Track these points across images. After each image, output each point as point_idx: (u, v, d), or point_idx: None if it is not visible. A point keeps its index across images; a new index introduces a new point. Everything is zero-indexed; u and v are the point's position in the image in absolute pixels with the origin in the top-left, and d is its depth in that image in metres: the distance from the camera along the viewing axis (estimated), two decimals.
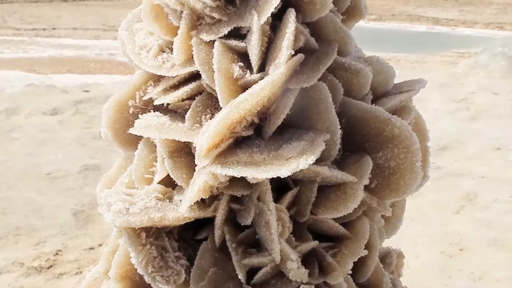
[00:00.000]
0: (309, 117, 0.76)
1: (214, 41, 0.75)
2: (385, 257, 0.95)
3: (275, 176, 0.69)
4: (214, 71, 0.73)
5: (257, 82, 0.72)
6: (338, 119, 0.76)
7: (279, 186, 0.78)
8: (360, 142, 0.80)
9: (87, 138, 3.65)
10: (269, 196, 0.75)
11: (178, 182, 0.78)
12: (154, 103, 0.82)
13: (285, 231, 0.76)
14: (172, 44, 0.79)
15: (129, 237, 0.76)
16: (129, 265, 0.80)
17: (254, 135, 0.74)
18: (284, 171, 0.69)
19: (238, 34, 0.76)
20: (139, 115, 0.83)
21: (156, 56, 0.82)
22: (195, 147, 0.73)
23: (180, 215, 0.75)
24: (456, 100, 4.64)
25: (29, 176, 3.01)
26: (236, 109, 0.70)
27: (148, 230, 0.78)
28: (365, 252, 0.81)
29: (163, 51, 0.82)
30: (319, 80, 0.75)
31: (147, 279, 0.76)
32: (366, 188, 0.77)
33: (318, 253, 0.80)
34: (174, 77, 0.80)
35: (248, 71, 0.75)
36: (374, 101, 0.84)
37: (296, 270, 0.76)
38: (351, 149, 0.80)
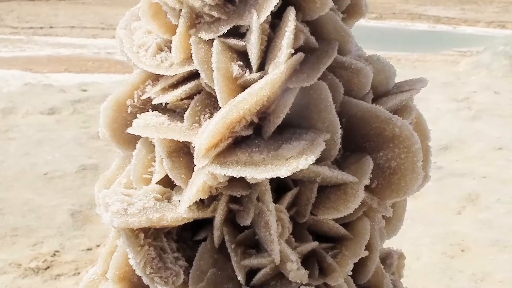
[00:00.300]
0: (309, 116, 0.75)
1: (213, 39, 0.75)
2: (386, 258, 0.95)
3: (275, 176, 0.69)
4: (213, 70, 0.73)
5: (256, 81, 0.71)
6: (338, 118, 0.75)
7: (279, 186, 0.77)
8: (360, 142, 0.79)
9: (84, 138, 3.64)
10: (268, 197, 0.74)
11: (177, 182, 0.77)
12: (153, 103, 0.82)
13: (284, 231, 0.76)
14: (171, 43, 0.79)
15: (127, 237, 0.76)
16: (127, 266, 0.79)
17: (254, 135, 0.74)
18: (283, 171, 0.68)
19: (237, 32, 0.75)
20: (137, 115, 0.83)
21: (154, 55, 0.81)
22: (194, 147, 0.73)
23: (178, 215, 0.75)
24: (457, 100, 4.64)
25: (26, 176, 3.00)
26: (236, 109, 0.70)
27: (146, 230, 0.77)
28: (366, 253, 0.80)
29: (162, 50, 0.82)
30: (319, 79, 0.74)
31: (145, 280, 0.76)
32: (367, 188, 0.77)
33: (318, 254, 0.79)
34: (172, 76, 0.79)
35: (248, 70, 0.74)
36: (375, 100, 0.83)
37: (296, 271, 0.75)
38: (351, 149, 0.80)
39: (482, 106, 4.45)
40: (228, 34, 0.75)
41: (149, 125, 0.79)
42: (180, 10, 0.77)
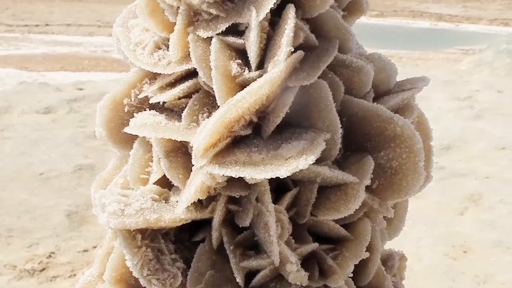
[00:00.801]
0: (309, 115, 0.74)
1: (211, 37, 0.74)
2: (387, 259, 0.94)
3: (274, 177, 0.68)
4: (211, 69, 0.72)
5: (255, 80, 0.71)
6: (338, 117, 0.74)
7: (278, 187, 0.77)
8: (361, 141, 0.78)
9: (81, 137, 3.62)
10: (268, 197, 0.73)
11: (175, 182, 0.76)
12: (150, 102, 0.81)
13: (284, 232, 0.75)
14: (168, 41, 0.78)
15: (124, 239, 0.75)
16: (124, 267, 0.78)
17: (253, 134, 0.73)
18: (283, 171, 0.67)
19: (236, 30, 0.75)
20: (135, 114, 0.82)
21: (151, 53, 0.80)
22: (192, 147, 0.72)
23: (176, 216, 0.74)
24: (459, 98, 4.64)
25: (22, 176, 2.98)
26: (234, 108, 0.69)
27: (143, 232, 0.76)
28: (367, 254, 0.79)
29: (159, 48, 0.81)
30: (319, 77, 0.73)
31: (142, 282, 0.75)
32: (368, 188, 0.76)
33: (318, 255, 0.78)
34: (170, 74, 0.78)
35: (246, 68, 0.73)
36: (376, 99, 0.82)
37: (295, 273, 0.74)
38: (352, 149, 0.79)
39: (484, 105, 4.44)
40: (226, 32, 0.74)
41: (146, 124, 0.78)
42: (178, 7, 0.76)
